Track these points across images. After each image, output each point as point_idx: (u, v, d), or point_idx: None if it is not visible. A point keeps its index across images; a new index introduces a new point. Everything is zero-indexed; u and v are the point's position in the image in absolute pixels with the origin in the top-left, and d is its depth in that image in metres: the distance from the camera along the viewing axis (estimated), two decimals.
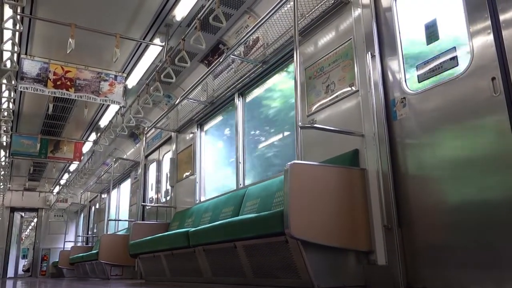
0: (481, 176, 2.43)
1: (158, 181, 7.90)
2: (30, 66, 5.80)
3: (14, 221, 14.99)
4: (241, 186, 5.10)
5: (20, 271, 17.25)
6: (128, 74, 6.54)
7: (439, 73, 2.75)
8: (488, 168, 2.40)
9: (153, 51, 5.88)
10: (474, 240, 2.41)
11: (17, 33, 4.98)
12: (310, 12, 3.86)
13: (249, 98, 5.39)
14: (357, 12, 3.46)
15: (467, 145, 2.54)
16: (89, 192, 13.17)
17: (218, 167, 6.09)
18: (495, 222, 2.32)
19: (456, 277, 2.49)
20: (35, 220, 20.10)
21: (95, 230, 12.59)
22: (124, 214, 10.05)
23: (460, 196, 2.53)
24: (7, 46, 5.06)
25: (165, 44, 5.54)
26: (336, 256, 2.87)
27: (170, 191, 7.08)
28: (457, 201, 2.54)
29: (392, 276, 2.78)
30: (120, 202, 10.88)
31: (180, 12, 5.02)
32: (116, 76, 6.33)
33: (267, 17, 4.01)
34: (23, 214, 16.68)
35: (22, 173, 12.85)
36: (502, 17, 2.42)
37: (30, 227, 23.47)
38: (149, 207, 8.13)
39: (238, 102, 5.45)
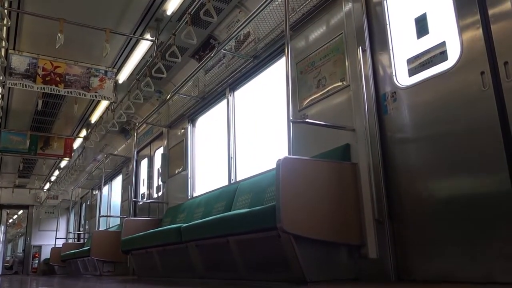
0: (471, 170, 2.45)
1: (150, 177, 7.87)
2: (19, 62, 5.72)
3: (2, 218, 14.83)
4: (233, 181, 5.10)
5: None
6: (119, 70, 6.48)
7: (429, 68, 2.77)
8: (478, 162, 2.42)
9: (144, 46, 5.83)
10: (464, 232, 2.44)
11: (4, 28, 4.91)
12: (301, 7, 3.86)
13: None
14: (348, 6, 3.46)
15: (457, 139, 2.56)
16: (80, 189, 13.08)
17: None
18: (484, 215, 2.35)
19: (446, 269, 2.52)
20: (15, 216, 19.89)
21: (86, 227, 12.51)
22: (116, 210, 10.01)
23: (450, 189, 2.56)
24: None
25: (155, 39, 5.50)
26: (327, 250, 2.89)
27: (162, 187, 7.05)
28: (447, 194, 2.57)
29: (383, 269, 2.80)
30: (111, 198, 10.82)
31: (171, 7, 4.98)
32: (106, 72, 6.27)
33: (258, 11, 3.99)
34: (8, 212, 16.46)
35: (11, 170, 12.71)
36: (491, 12, 2.44)
37: (7, 223, 23.01)
38: (141, 203, 8.09)
39: (230, 97, 5.43)
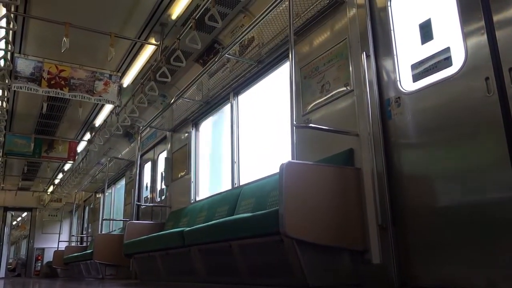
0: (475, 176, 2.44)
1: (153, 181, 7.88)
2: (24, 65, 5.75)
3: (6, 220, 14.87)
4: (236, 186, 5.10)
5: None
6: (123, 73, 6.51)
7: (434, 73, 2.76)
8: (481, 168, 2.41)
9: (148, 50, 5.86)
10: (467, 238, 2.43)
11: (11, 32, 4.95)
12: (305, 12, 3.87)
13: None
14: (352, 12, 3.47)
15: (460, 145, 2.55)
16: (83, 192, 13.11)
17: None
18: (488, 221, 2.34)
19: (450, 275, 2.51)
20: (18, 219, 19.92)
21: (89, 230, 12.53)
22: (119, 213, 10.01)
23: (454, 195, 2.55)
24: (1, 45, 5.03)
25: (160, 43, 5.53)
26: (330, 255, 2.88)
27: (165, 191, 7.06)
28: (451, 200, 2.56)
29: (387, 275, 2.79)
30: (114, 202, 10.84)
31: (176, 11, 5.01)
32: (110, 75, 6.30)
33: (263, 16, 4.01)
34: (13, 214, 16.48)
35: (15, 172, 12.76)
36: (495, 18, 2.44)
37: (11, 225, 22.96)
38: (144, 206, 8.10)
39: (233, 101, 5.44)
